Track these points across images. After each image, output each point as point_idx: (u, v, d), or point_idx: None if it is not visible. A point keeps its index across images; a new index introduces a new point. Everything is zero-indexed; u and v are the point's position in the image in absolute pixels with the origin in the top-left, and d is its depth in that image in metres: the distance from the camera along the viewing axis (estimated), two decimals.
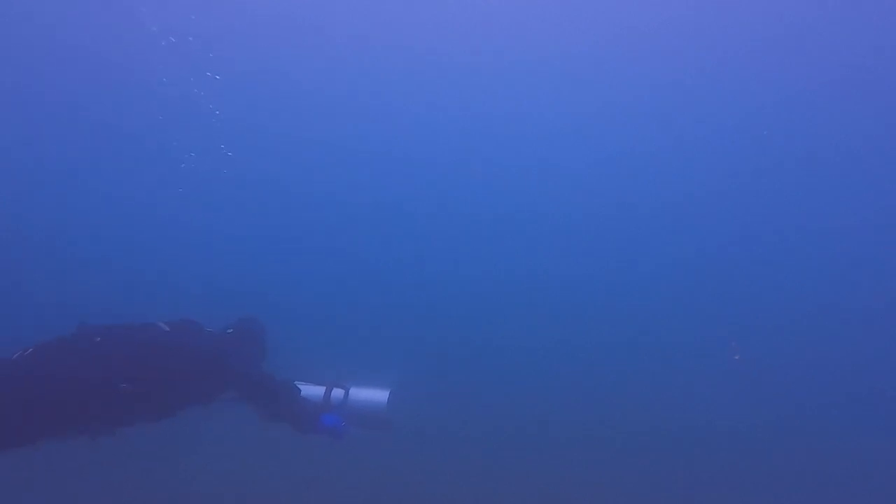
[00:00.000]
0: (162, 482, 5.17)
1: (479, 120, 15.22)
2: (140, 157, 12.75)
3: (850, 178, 14.76)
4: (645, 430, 6.94)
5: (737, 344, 10.28)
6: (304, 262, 14.84)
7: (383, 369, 3.58)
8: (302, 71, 13.60)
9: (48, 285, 10.87)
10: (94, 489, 5.04)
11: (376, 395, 3.35)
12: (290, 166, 14.26)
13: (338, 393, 3.37)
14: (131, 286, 11.71)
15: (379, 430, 3.38)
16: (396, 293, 14.12)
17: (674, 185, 15.09)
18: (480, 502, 4.88)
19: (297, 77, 13.59)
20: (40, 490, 4.93)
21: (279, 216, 14.58)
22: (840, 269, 14.22)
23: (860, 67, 12.76)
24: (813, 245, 14.65)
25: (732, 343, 10.34)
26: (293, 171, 14.32)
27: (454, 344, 10.83)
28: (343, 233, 14.98)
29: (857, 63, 12.70)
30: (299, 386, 3.34)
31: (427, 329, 11.43)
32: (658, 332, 11.68)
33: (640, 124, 14.75)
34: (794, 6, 11.96)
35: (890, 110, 13.15)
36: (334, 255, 14.71)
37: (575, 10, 12.91)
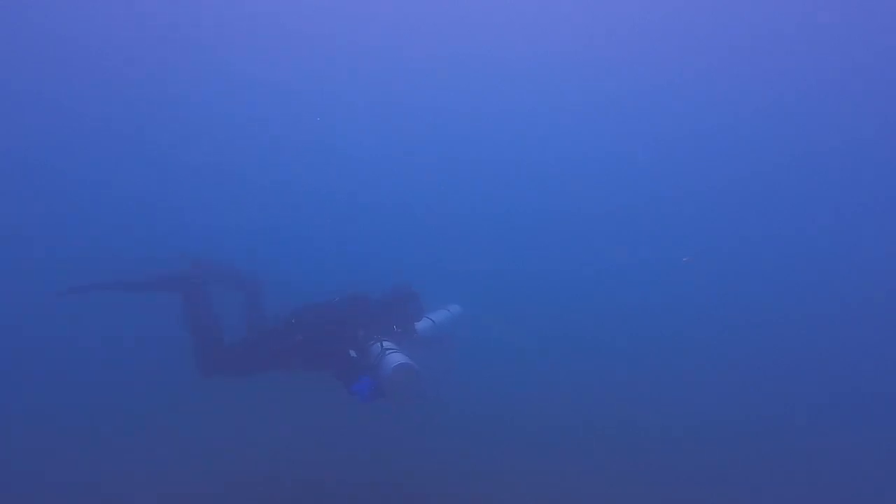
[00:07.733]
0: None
1: (479, 120, 15.25)
2: None
3: (849, 177, 14.81)
4: (646, 429, 7.03)
5: (689, 258, 10.65)
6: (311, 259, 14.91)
7: None
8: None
9: None
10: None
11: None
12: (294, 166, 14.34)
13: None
14: None
15: (406, 402, 3.70)
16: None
17: (673, 185, 15.15)
18: (482, 500, 4.94)
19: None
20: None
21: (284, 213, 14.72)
22: (839, 268, 14.29)
23: (860, 67, 12.80)
24: (812, 245, 14.71)
25: (685, 258, 10.71)
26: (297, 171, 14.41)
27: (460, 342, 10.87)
28: (344, 232, 15.04)
29: (858, 63, 12.74)
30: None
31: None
32: (658, 330, 11.73)
33: (640, 124, 14.79)
34: (795, 6, 12.01)
35: (890, 110, 13.20)
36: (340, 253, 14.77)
37: (576, 10, 12.95)
